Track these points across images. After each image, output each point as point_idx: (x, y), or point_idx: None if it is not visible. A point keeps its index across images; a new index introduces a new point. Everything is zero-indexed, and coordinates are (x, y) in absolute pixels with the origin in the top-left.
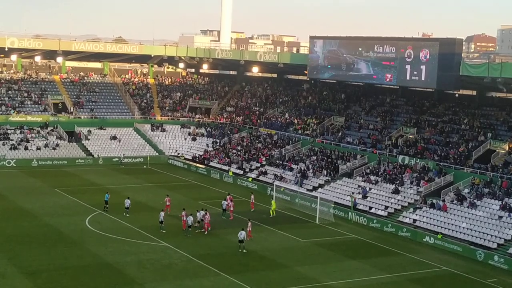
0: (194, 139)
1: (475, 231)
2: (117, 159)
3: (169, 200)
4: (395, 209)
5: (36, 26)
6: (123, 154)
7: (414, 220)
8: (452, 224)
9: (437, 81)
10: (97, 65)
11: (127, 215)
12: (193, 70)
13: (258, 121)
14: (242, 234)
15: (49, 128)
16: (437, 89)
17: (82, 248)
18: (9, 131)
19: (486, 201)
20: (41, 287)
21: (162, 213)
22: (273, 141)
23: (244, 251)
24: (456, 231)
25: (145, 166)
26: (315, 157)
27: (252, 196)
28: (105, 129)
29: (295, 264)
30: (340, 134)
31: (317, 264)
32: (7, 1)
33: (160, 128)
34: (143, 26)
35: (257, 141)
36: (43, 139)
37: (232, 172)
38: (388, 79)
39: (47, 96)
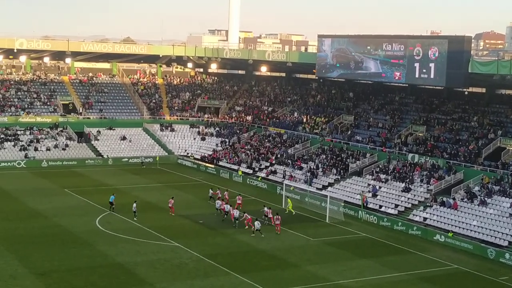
0: (203, 139)
1: (486, 229)
2: (126, 159)
3: (171, 202)
4: (405, 207)
5: (44, 27)
6: (143, 159)
7: (425, 218)
8: (463, 222)
9: (446, 78)
10: (106, 65)
11: (135, 218)
12: (201, 69)
13: (267, 120)
14: (258, 224)
15: (58, 129)
16: (446, 87)
17: (92, 249)
18: (18, 132)
19: (496, 198)
20: (51, 287)
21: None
22: (282, 140)
23: (263, 236)
24: (467, 229)
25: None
26: (324, 156)
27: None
28: (114, 129)
29: (306, 263)
30: (349, 132)
31: (328, 263)
32: (15, 2)
33: (169, 128)
34: (151, 26)
35: (266, 140)
36: (53, 140)
37: (242, 172)
38: (397, 77)
39: (56, 97)
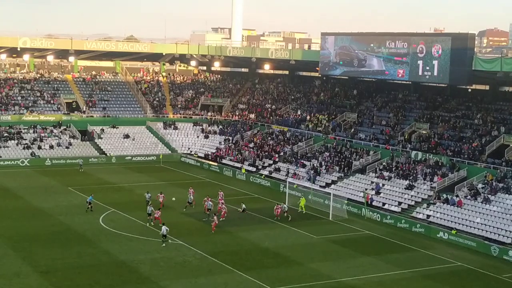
0: (206, 137)
1: (490, 226)
2: (129, 157)
3: (157, 213)
4: (408, 205)
5: (48, 26)
6: (81, 161)
7: (428, 216)
8: (466, 220)
9: (449, 76)
10: (109, 64)
11: (152, 223)
12: (204, 67)
13: (271, 118)
14: (166, 230)
15: (62, 127)
16: (450, 84)
17: (96, 247)
18: (22, 131)
19: (500, 196)
20: (55, 285)
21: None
22: (285, 138)
23: (163, 245)
24: (470, 227)
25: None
26: (327, 154)
27: (192, 190)
28: (118, 127)
29: (309, 261)
30: (352, 130)
31: (331, 261)
32: (19, 1)
33: (172, 126)
34: (154, 24)
35: (269, 138)
36: (56, 138)
37: (245, 169)
38: (400, 75)
39: (60, 96)
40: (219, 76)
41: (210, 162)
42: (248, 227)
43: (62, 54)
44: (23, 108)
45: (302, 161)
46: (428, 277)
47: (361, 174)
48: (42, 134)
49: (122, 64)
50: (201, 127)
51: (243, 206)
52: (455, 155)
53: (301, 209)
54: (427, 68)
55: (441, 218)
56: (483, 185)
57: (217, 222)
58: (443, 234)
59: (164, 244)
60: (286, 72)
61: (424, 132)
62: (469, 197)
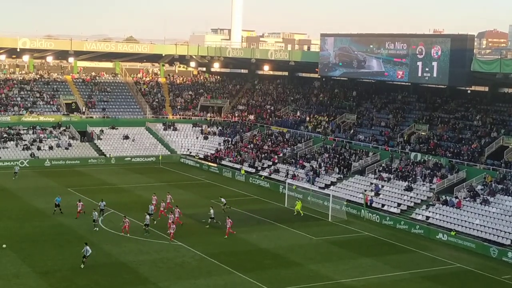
0: (206, 138)
1: (489, 227)
2: (129, 158)
3: (82, 205)
4: (407, 206)
5: (47, 27)
6: (17, 167)
7: (427, 217)
8: (465, 221)
9: (449, 77)
10: (109, 64)
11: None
12: (204, 69)
13: (270, 119)
14: (88, 251)
15: (61, 128)
16: (449, 85)
17: (95, 248)
18: (22, 132)
19: (499, 197)
20: (55, 286)
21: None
22: (285, 139)
23: (82, 266)
24: (470, 228)
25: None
26: (327, 155)
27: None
28: (117, 128)
29: (308, 262)
30: (352, 131)
31: (330, 262)
32: (18, 1)
33: (172, 127)
34: (154, 25)
35: (269, 139)
36: (56, 139)
37: (244, 171)
38: (399, 76)
39: (59, 96)
40: (218, 77)
41: (210, 163)
42: (247, 228)
43: (61, 55)
44: (22, 109)
45: (302, 162)
46: (427, 278)
47: (360, 175)
48: (42, 135)
49: (122, 65)
50: (200, 128)
51: (223, 200)
52: (455, 157)
53: (296, 212)
54: (427, 69)
55: (440, 220)
56: (482, 187)
57: (173, 232)
58: (442, 235)
59: (82, 266)
60: (286, 73)
61: (423, 133)
62: (468, 198)
